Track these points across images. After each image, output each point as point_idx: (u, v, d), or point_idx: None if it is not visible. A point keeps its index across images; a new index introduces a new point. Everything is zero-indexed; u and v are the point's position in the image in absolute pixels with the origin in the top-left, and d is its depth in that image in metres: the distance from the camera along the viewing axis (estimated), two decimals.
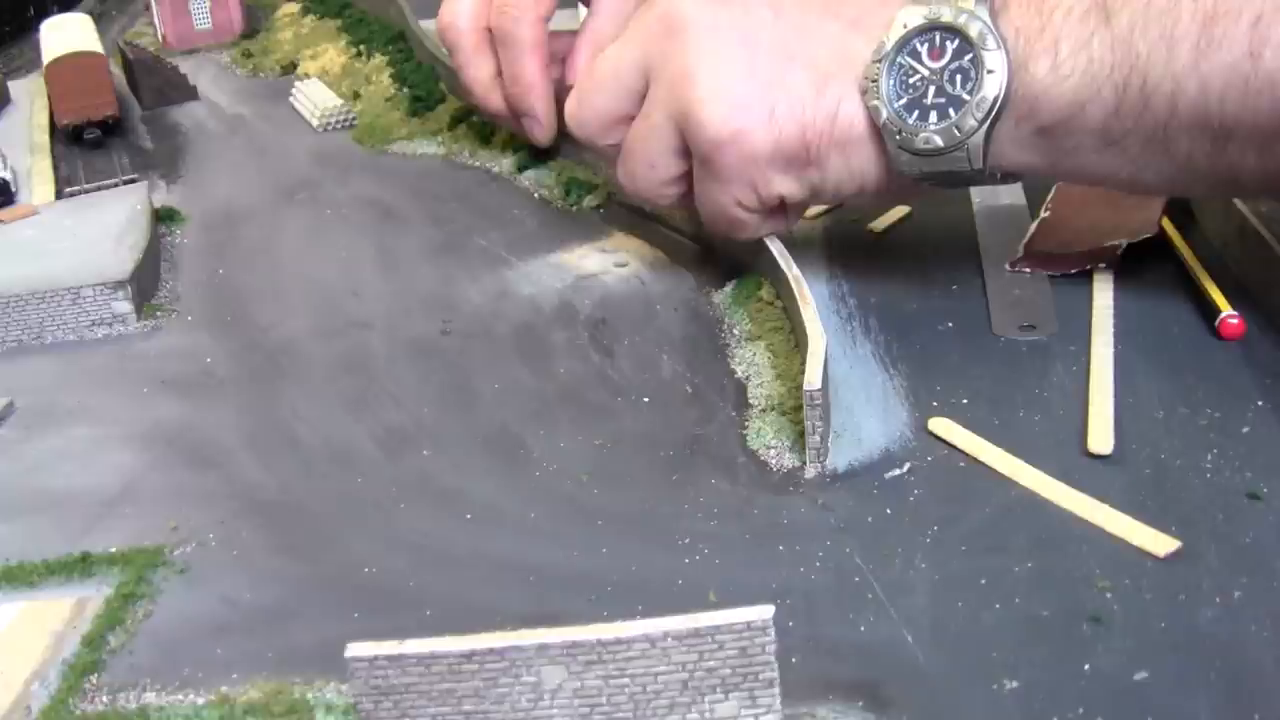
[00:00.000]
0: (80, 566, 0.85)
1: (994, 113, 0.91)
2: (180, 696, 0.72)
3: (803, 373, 0.87)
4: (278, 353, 1.13)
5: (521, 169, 1.44)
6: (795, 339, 0.99)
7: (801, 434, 0.87)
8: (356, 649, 0.60)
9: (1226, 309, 0.95)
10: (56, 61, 1.66)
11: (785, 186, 0.99)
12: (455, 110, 1.61)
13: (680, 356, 1.04)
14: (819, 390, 0.84)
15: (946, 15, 0.92)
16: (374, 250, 1.32)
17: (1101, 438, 0.85)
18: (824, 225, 1.20)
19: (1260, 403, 0.87)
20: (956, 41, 0.92)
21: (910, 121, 0.93)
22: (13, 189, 1.45)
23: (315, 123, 1.70)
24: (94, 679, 0.74)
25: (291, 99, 1.80)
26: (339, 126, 1.68)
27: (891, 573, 0.76)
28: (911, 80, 0.94)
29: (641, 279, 1.18)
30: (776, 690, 0.59)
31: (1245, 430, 0.85)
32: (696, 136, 0.98)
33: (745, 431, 0.93)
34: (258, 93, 1.89)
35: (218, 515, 0.89)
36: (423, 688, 0.60)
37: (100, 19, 2.16)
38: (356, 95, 1.75)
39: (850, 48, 0.96)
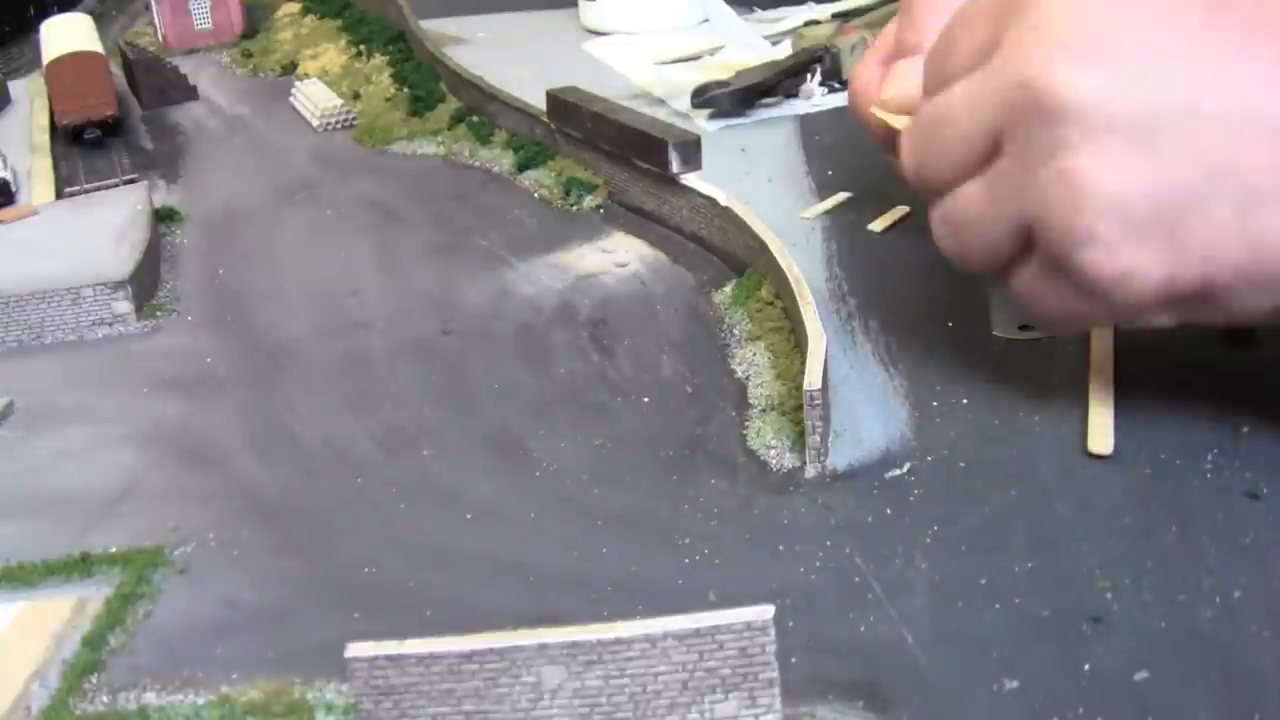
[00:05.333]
0: (80, 566, 0.85)
1: None
2: (180, 696, 0.72)
3: (803, 373, 0.87)
4: (278, 353, 1.13)
5: (521, 169, 1.44)
6: (795, 339, 0.99)
7: (801, 434, 0.87)
8: (356, 649, 0.60)
9: None
10: (56, 61, 1.66)
11: (1163, 320, 0.78)
12: (455, 110, 1.61)
13: (680, 356, 1.04)
14: (819, 390, 0.84)
15: None
16: (374, 250, 1.32)
17: (1101, 438, 0.85)
18: (824, 225, 1.20)
19: (1260, 403, 0.87)
20: None
21: None
22: (13, 189, 1.45)
23: (315, 123, 1.70)
24: (94, 679, 0.74)
25: (291, 99, 1.80)
26: (339, 126, 1.68)
27: (891, 573, 0.76)
28: None
29: (641, 279, 1.18)
30: (776, 690, 0.59)
31: (1245, 430, 0.85)
32: (1068, 257, 0.75)
33: (745, 431, 0.92)
34: (258, 93, 1.89)
35: (218, 515, 0.89)
36: (423, 688, 0.60)
37: (100, 19, 2.16)
38: (356, 95, 1.75)
39: None
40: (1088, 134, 0.73)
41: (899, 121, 0.93)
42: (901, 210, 1.20)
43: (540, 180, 1.41)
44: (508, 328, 1.13)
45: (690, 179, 1.23)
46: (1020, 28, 0.76)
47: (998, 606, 0.72)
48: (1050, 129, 0.74)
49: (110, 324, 1.19)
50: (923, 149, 0.85)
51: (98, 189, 1.48)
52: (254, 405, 1.04)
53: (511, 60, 1.70)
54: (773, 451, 0.89)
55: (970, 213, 0.82)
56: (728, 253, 1.18)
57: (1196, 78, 0.72)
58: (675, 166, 1.23)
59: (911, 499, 0.83)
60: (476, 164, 1.50)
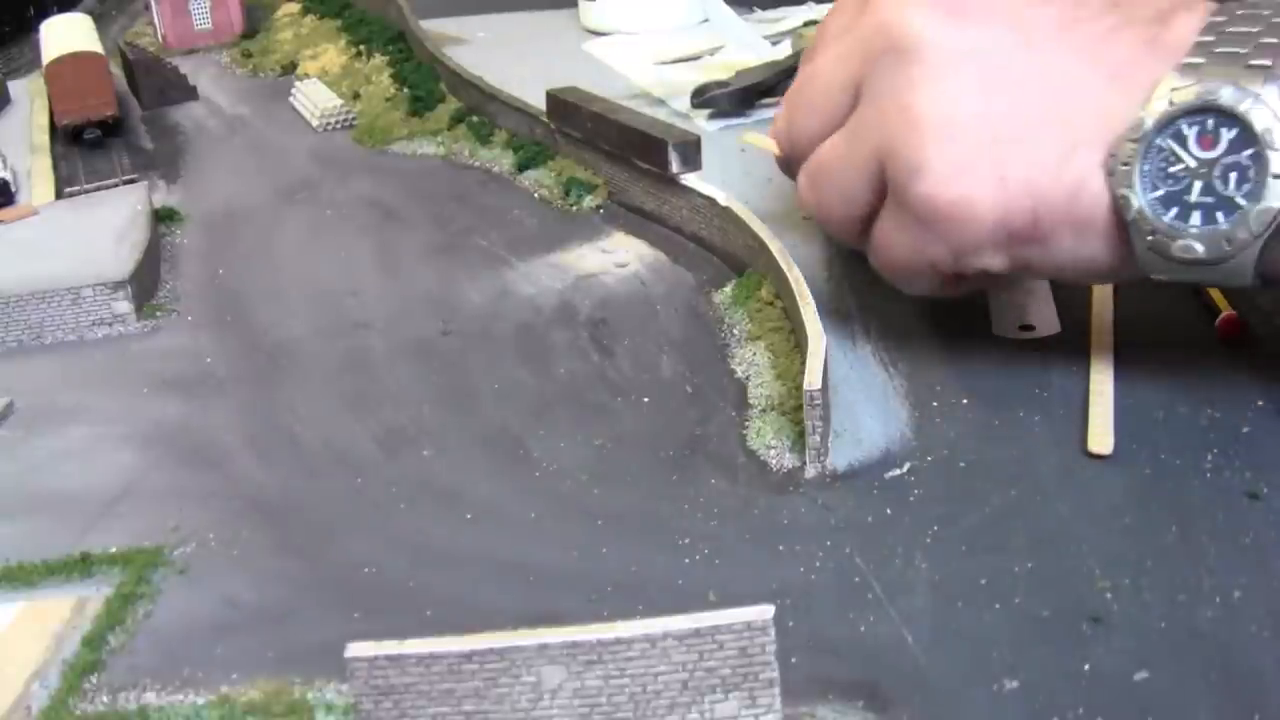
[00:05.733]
0: (80, 566, 0.85)
1: (1275, 226, 0.75)
2: (180, 696, 0.72)
3: (803, 373, 0.87)
4: (278, 353, 1.13)
5: (521, 169, 1.44)
6: (795, 339, 0.99)
7: (801, 434, 0.87)
8: (356, 649, 0.60)
9: (1226, 309, 0.95)
10: (56, 61, 1.66)
11: (994, 261, 0.84)
12: (455, 110, 1.61)
13: (680, 356, 1.04)
14: (819, 390, 0.84)
15: (1226, 97, 0.75)
16: (374, 250, 1.32)
17: (1101, 438, 0.85)
18: None
19: (1260, 403, 0.87)
20: (1235, 131, 0.75)
21: (1166, 220, 0.77)
22: (13, 189, 1.45)
23: (315, 123, 1.70)
24: (94, 679, 0.74)
25: (291, 99, 1.80)
26: (339, 126, 1.68)
27: (891, 573, 0.76)
28: (1172, 169, 0.77)
29: (641, 279, 1.18)
30: (776, 690, 0.59)
31: (1245, 430, 0.85)
32: (907, 188, 0.83)
33: (745, 431, 0.92)
34: (258, 93, 1.89)
35: (218, 515, 0.89)
36: (423, 688, 0.60)
37: (100, 19, 2.16)
38: (356, 95, 1.75)
39: (1108, 108, 0.79)
40: (929, 71, 0.82)
41: (774, 145, 1.03)
42: None
43: (540, 180, 1.41)
44: (508, 328, 1.13)
45: (690, 179, 1.23)
46: None
47: (998, 606, 0.72)
48: (899, 67, 0.84)
49: (110, 324, 1.19)
50: (792, 112, 0.95)
51: (98, 189, 1.48)
52: (254, 405, 1.04)
53: (511, 60, 1.70)
54: (773, 451, 0.89)
55: (830, 161, 0.91)
56: (728, 253, 1.18)
57: (1029, 36, 0.82)
58: (675, 166, 1.23)
59: (911, 499, 0.83)
60: (476, 164, 1.50)
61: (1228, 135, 0.76)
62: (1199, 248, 0.77)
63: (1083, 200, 0.79)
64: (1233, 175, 0.76)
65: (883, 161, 0.85)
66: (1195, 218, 0.77)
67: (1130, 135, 0.78)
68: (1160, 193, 0.77)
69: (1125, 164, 0.77)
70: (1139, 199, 0.77)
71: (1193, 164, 0.77)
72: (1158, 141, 0.77)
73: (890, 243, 0.89)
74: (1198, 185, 0.77)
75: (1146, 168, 0.77)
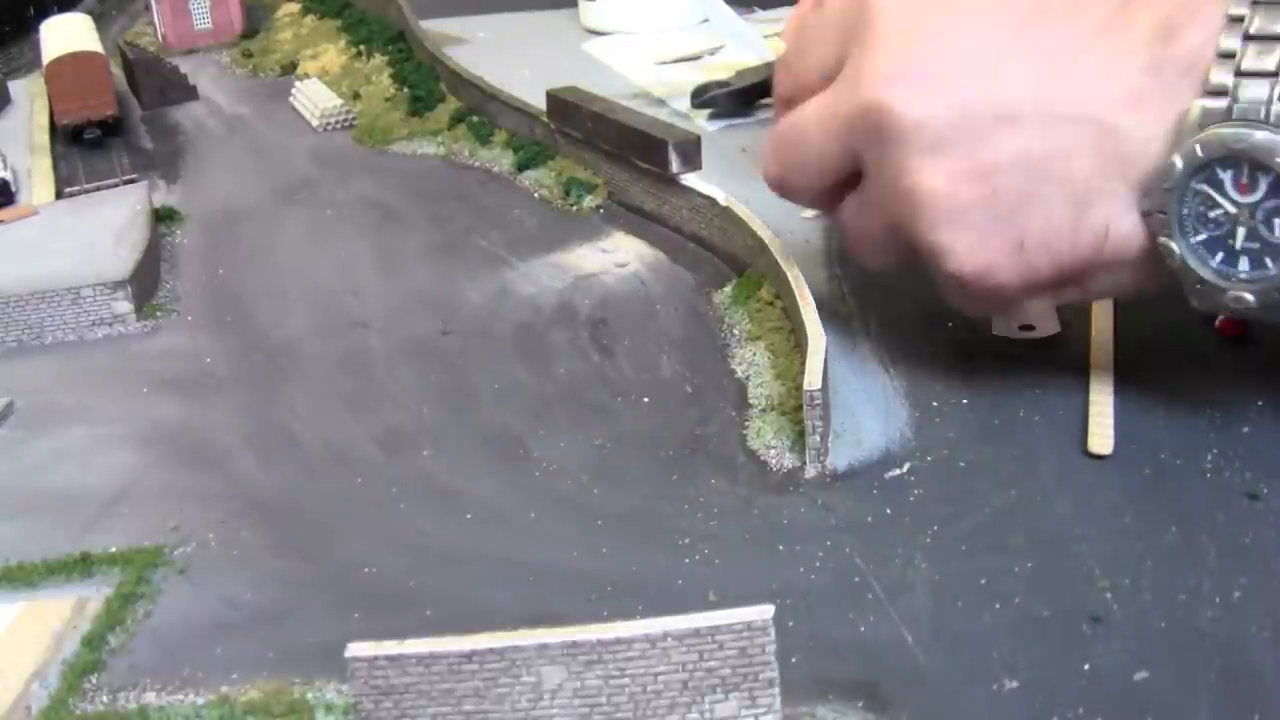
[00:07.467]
0: (80, 566, 0.85)
1: None
2: (180, 696, 0.72)
3: (803, 373, 0.87)
4: (278, 353, 1.13)
5: (521, 169, 1.44)
6: (795, 339, 0.99)
7: (801, 434, 0.87)
8: (356, 649, 0.60)
9: None
10: (56, 61, 1.66)
11: (1038, 307, 0.89)
12: (455, 110, 1.61)
13: (680, 356, 1.04)
14: (819, 390, 0.84)
15: (1259, 147, 0.71)
16: (373, 250, 1.32)
17: (1101, 438, 0.85)
18: (824, 225, 1.20)
19: (1260, 403, 0.87)
20: (1271, 175, 0.72)
21: (1213, 266, 0.75)
22: (13, 189, 1.45)
23: (315, 123, 1.70)
24: (94, 679, 0.74)
25: (291, 99, 1.80)
26: (339, 126, 1.68)
27: (891, 573, 0.76)
28: (1212, 214, 0.74)
29: (641, 279, 1.18)
30: (776, 690, 0.59)
31: (1245, 430, 0.85)
32: (934, 265, 0.84)
33: (745, 431, 0.92)
34: (258, 93, 1.89)
35: (218, 515, 0.89)
36: (423, 688, 0.60)
37: (100, 19, 2.16)
38: (356, 95, 1.75)
39: (1120, 152, 0.76)
40: (922, 153, 0.80)
41: None
42: None
43: (540, 180, 1.41)
44: (508, 328, 1.13)
45: (690, 179, 1.23)
46: (862, 48, 0.83)
47: (998, 606, 0.72)
48: (892, 151, 0.81)
49: (110, 324, 1.19)
50: (784, 163, 0.94)
51: (98, 189, 1.48)
52: (254, 405, 1.04)
53: (511, 60, 1.70)
54: (773, 451, 0.89)
55: (857, 226, 0.91)
56: (728, 253, 1.18)
57: (1009, 99, 0.78)
58: (675, 166, 1.23)
59: (911, 499, 0.83)
60: (476, 164, 1.50)
61: (1265, 180, 0.72)
62: (1249, 298, 0.74)
63: (1112, 243, 0.78)
64: (1276, 221, 0.73)
65: (904, 235, 0.85)
66: (1243, 264, 0.74)
67: (1163, 182, 0.74)
68: (1203, 237, 0.75)
69: (1162, 211, 0.75)
70: (1180, 246, 0.75)
71: (1232, 209, 0.74)
72: (1193, 185, 0.74)
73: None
74: (1241, 231, 0.74)
75: (1185, 212, 0.75)
